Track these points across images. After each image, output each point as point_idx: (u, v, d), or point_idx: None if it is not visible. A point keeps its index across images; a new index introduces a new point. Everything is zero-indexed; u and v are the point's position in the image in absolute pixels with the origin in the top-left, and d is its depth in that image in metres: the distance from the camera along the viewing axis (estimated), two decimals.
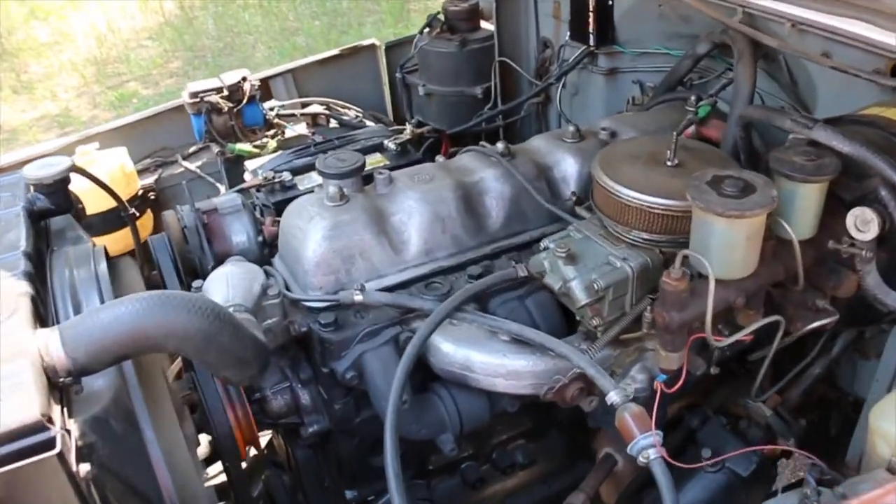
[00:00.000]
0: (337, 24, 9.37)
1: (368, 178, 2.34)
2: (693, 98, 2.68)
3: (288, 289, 2.17)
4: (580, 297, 1.87)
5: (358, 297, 2.03)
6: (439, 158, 2.52)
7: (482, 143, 2.93)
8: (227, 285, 2.00)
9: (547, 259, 1.96)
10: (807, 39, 2.25)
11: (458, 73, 3.62)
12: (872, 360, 2.39)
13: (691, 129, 2.52)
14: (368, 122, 3.70)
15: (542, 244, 2.03)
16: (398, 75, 3.84)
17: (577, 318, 1.99)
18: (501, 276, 2.07)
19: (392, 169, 2.91)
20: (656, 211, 1.84)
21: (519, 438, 2.57)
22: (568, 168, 2.43)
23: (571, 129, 2.47)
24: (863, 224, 1.69)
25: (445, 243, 2.27)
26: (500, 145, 2.40)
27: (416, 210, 2.22)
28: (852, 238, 1.72)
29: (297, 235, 2.16)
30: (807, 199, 1.71)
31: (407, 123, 3.16)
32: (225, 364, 1.66)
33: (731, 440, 2.31)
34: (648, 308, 1.90)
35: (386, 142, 3.08)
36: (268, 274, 2.20)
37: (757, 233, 1.59)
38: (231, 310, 1.87)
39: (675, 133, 1.92)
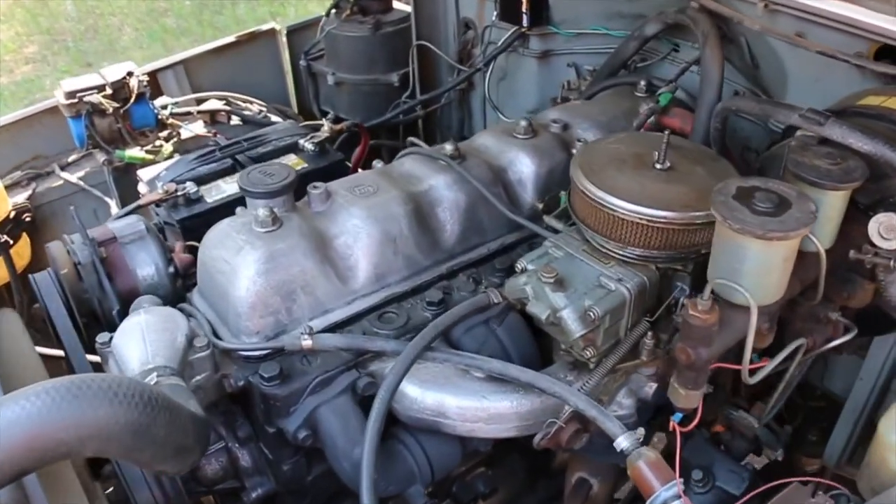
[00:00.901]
0: (209, 4, 8.77)
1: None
2: (643, 83, 2.47)
3: (216, 334, 1.83)
4: (574, 328, 1.62)
5: (307, 343, 1.71)
6: (377, 164, 2.20)
7: (410, 139, 2.65)
8: (144, 341, 1.64)
9: (530, 284, 1.69)
10: (779, 20, 2.06)
11: (372, 59, 3.29)
12: (844, 354, 2.26)
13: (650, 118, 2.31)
14: (274, 118, 3.33)
15: (520, 265, 1.76)
16: (302, 63, 3.47)
17: (563, 347, 1.74)
18: (473, 305, 1.79)
19: (312, 173, 2.64)
20: (657, 225, 1.60)
21: (479, 466, 2.32)
22: (524, 168, 2.16)
23: (523, 123, 2.20)
24: (888, 231, 1.51)
25: (398, 266, 1.98)
26: (448, 146, 2.10)
27: (363, 230, 1.91)
28: (875, 247, 1.53)
29: (223, 271, 1.81)
30: (832, 208, 1.52)
31: (324, 119, 2.81)
32: (162, 458, 1.32)
33: (718, 456, 2.13)
34: (649, 335, 1.68)
35: (301, 141, 2.72)
36: (187, 314, 1.85)
37: (793, 253, 1.37)
38: (155, 377, 1.53)
39: (666, 133, 1.68)
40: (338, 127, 2.82)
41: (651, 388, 1.83)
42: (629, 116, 2.40)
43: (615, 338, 1.71)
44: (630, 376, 1.82)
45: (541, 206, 1.96)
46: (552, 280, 1.62)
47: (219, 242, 1.85)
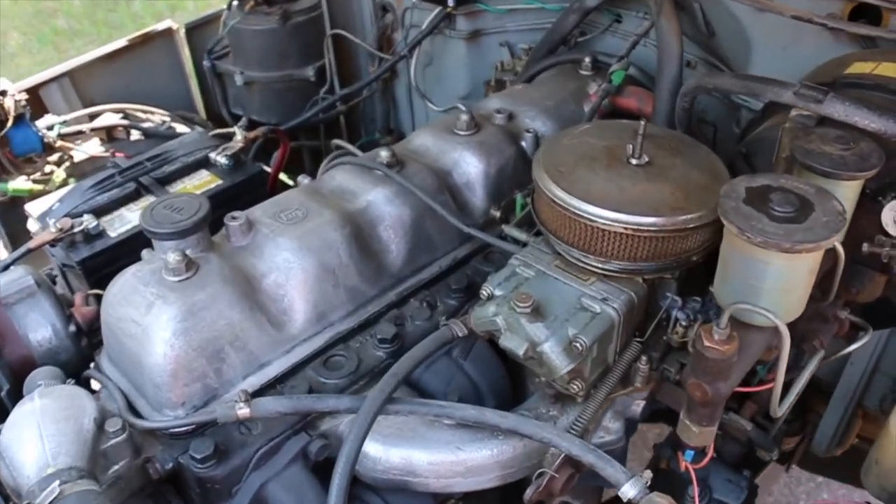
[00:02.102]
0: (101, 2, 8.19)
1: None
2: (587, 60, 2.24)
3: (133, 409, 1.53)
4: (559, 364, 1.38)
5: (243, 412, 1.43)
6: (303, 179, 1.91)
7: (335, 142, 2.38)
8: (42, 437, 1.33)
9: (500, 315, 1.45)
10: None
11: (283, 53, 2.96)
12: None
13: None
14: (180, 128, 2.98)
15: (486, 291, 1.51)
16: (206, 63, 3.12)
17: (543, 378, 1.50)
18: (435, 343, 1.53)
19: (229, 190, 2.35)
20: (644, 234, 1.37)
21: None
22: (470, 170, 1.91)
23: (464, 117, 1.94)
24: None
25: (340, 301, 1.70)
26: (383, 153, 1.83)
27: (295, 265, 1.63)
28: (890, 237, 1.33)
29: (133, 334, 1.51)
30: (845, 200, 1.31)
31: (236, 127, 2.49)
32: None
33: (713, 466, 1.94)
34: (643, 359, 1.46)
35: (213, 155, 2.42)
36: (95, 385, 1.56)
37: (818, 262, 1.16)
38: (57, 485, 1.24)
39: (641, 122, 1.44)
40: (252, 134, 2.52)
41: (639, 405, 1.62)
42: (577, 98, 2.16)
43: (604, 365, 1.48)
44: (615, 399, 1.60)
45: (497, 213, 1.70)
46: (528, 310, 1.38)
47: (124, 299, 1.55)
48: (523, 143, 2.00)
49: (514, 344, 1.42)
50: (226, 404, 1.45)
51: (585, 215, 1.39)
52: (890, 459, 1.67)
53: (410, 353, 1.51)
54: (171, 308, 1.49)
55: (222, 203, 2.30)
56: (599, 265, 1.44)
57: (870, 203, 1.38)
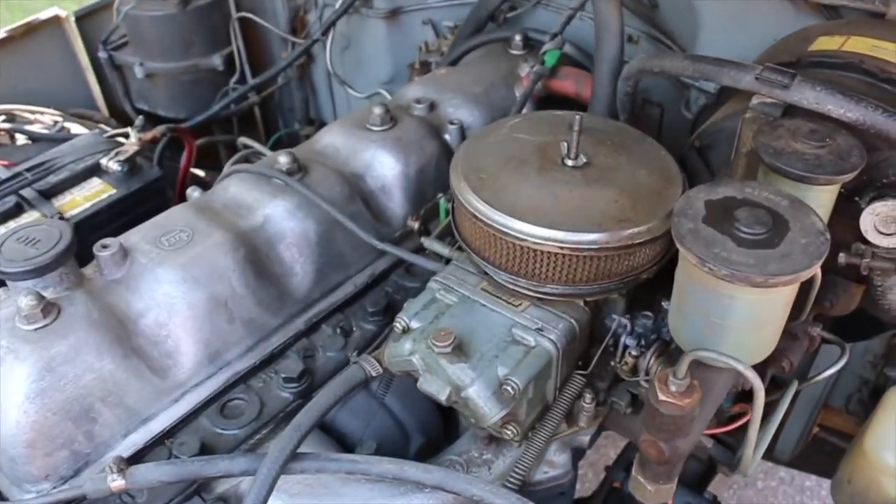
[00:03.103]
0: None
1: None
2: (518, 38, 2.01)
3: None
4: (488, 411, 1.16)
5: (117, 484, 1.18)
6: (193, 192, 1.65)
7: (241, 140, 2.12)
8: None
9: (417, 354, 1.22)
10: None
11: (186, 41, 2.66)
12: None
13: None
14: (76, 129, 2.67)
15: (401, 322, 1.28)
16: (102, 55, 2.80)
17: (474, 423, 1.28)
18: (344, 386, 1.30)
19: (123, 201, 2.07)
20: (584, 254, 1.14)
21: None
22: (386, 171, 1.67)
23: (377, 110, 1.70)
24: (886, 224, 1.11)
25: (237, 336, 1.46)
26: (282, 158, 1.58)
27: (179, 299, 1.38)
28: (870, 244, 1.13)
29: None
30: (820, 206, 1.10)
31: (131, 128, 2.21)
32: None
33: (677, 490, 1.73)
34: (587, 397, 1.24)
35: (104, 160, 2.13)
36: None
37: (794, 292, 0.94)
38: None
39: (577, 116, 1.21)
40: (148, 136, 2.24)
41: (588, 434, 1.41)
42: (508, 82, 1.93)
43: (542, 403, 1.26)
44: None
45: (415, 224, 1.46)
46: (449, 348, 1.15)
47: None
48: (447, 137, 1.77)
49: (434, 388, 1.20)
50: (97, 476, 1.21)
51: (512, 233, 1.16)
52: (864, 478, 1.49)
53: (316, 401, 1.28)
54: (24, 365, 1.23)
55: (116, 216, 2.04)
56: (532, 290, 1.21)
57: (846, 204, 1.17)
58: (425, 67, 2.35)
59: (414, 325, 1.27)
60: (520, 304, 1.24)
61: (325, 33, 2.39)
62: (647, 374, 1.20)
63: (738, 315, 0.90)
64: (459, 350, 1.17)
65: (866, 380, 1.95)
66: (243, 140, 2.16)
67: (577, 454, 1.48)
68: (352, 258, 1.61)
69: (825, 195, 1.08)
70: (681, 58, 1.28)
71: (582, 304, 1.24)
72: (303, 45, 2.45)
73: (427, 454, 1.50)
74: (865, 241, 1.13)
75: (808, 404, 2.00)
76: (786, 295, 0.91)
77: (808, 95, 1.13)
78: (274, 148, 2.17)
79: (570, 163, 1.25)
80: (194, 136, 2.53)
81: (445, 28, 2.34)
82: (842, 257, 1.16)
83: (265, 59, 2.80)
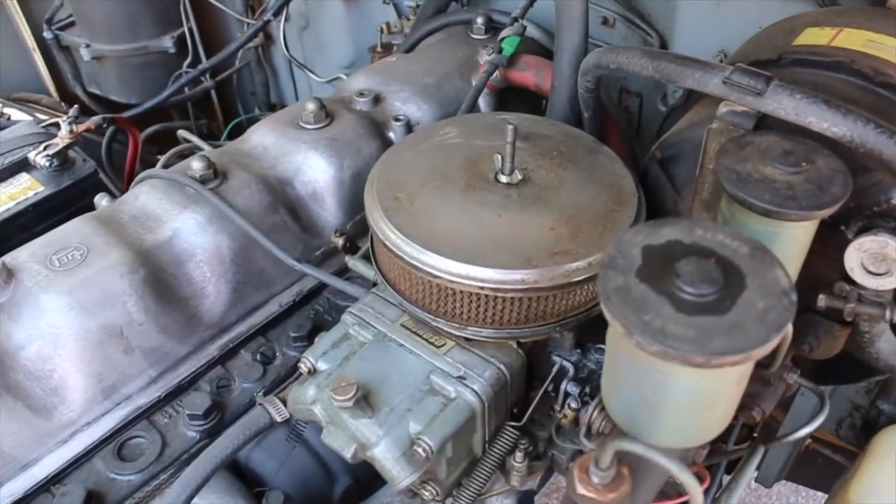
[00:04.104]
0: None
1: None
2: (480, 21, 1.80)
3: None
4: (398, 475, 0.99)
5: None
6: (101, 200, 1.47)
7: (181, 134, 1.93)
8: None
9: (320, 403, 1.04)
10: None
11: (133, 21, 2.46)
12: None
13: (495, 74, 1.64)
14: (18, 115, 2.48)
15: (306, 363, 1.10)
16: (48, 35, 2.61)
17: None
18: (245, 433, 1.13)
19: (52, 199, 1.90)
20: (511, 295, 0.96)
21: None
22: (317, 176, 1.49)
23: (311, 106, 1.51)
24: (875, 262, 0.91)
25: (136, 367, 1.29)
26: (196, 163, 1.39)
27: (65, 329, 1.21)
28: (856, 285, 0.94)
29: None
30: (795, 245, 0.91)
31: (64, 117, 2.02)
32: None
33: None
34: (518, 455, 1.06)
35: (31, 154, 1.95)
36: None
37: (751, 366, 0.75)
38: None
39: (510, 126, 1.01)
40: (81, 126, 2.04)
41: (539, 475, 1.23)
42: (466, 72, 1.73)
43: (469, 458, 1.09)
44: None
45: (339, 240, 1.27)
46: (350, 402, 0.96)
47: None
48: (391, 135, 1.57)
49: (338, 444, 1.03)
50: None
51: (425, 268, 0.97)
52: None
53: (209, 452, 1.11)
54: None
55: (43, 216, 1.86)
56: (455, 331, 1.03)
57: (828, 234, 0.98)
58: (388, 50, 2.15)
59: (321, 366, 1.09)
60: (443, 345, 1.06)
61: (277, 14, 2.19)
62: (588, 430, 1.02)
63: (676, 395, 0.71)
64: (365, 402, 0.99)
65: (858, 405, 1.76)
66: (181, 133, 1.98)
67: (526, 497, 1.31)
68: (275, 275, 1.42)
69: (800, 231, 0.89)
70: (639, 54, 1.08)
71: (514, 346, 1.05)
72: (254, 25, 2.25)
73: (356, 497, 1.34)
74: (850, 281, 0.94)
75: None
76: (739, 372, 0.72)
77: (785, 104, 0.93)
78: (232, 135, 1.99)
79: (503, 179, 1.06)
80: (139, 125, 2.34)
81: (408, 8, 2.14)
82: (822, 300, 0.97)
83: (222, 40, 2.60)
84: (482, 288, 0.95)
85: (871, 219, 0.98)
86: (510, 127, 1.00)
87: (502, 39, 1.60)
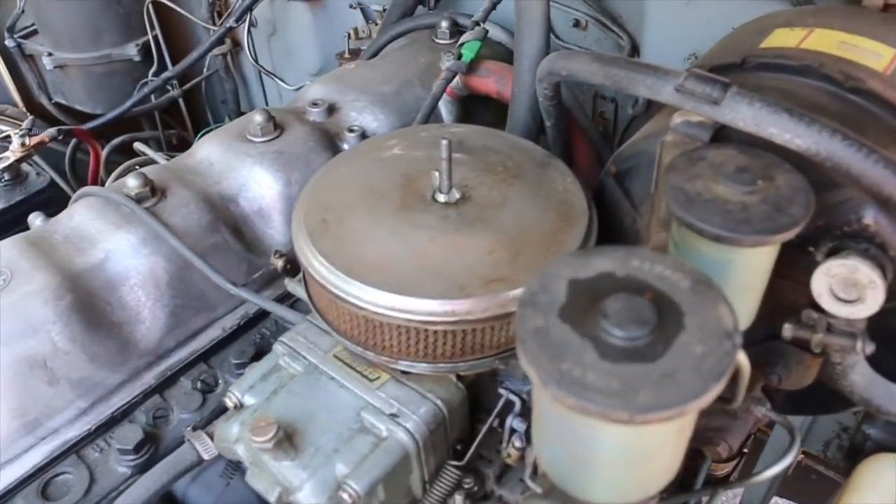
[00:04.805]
0: None
1: None
2: (445, 25, 1.72)
3: None
4: None
5: None
6: (35, 221, 1.38)
7: (136, 146, 1.85)
8: None
9: (242, 444, 0.95)
10: None
11: (96, 28, 2.39)
12: None
13: (454, 80, 1.56)
14: None
15: (232, 398, 1.02)
16: (9, 43, 2.53)
17: None
18: (170, 472, 1.05)
19: (4, 215, 1.84)
20: (443, 328, 0.87)
21: None
22: (263, 192, 1.41)
23: (257, 118, 1.42)
24: (845, 288, 0.82)
25: (63, 399, 1.21)
26: (132, 181, 1.31)
27: None
28: (825, 313, 0.85)
29: None
30: (752, 272, 0.82)
31: (14, 131, 1.94)
32: None
33: None
34: (459, 499, 0.98)
35: None
36: None
37: (694, 419, 0.66)
38: None
39: (444, 141, 0.93)
40: (33, 141, 1.97)
41: None
42: (426, 79, 1.64)
43: (408, 499, 1.00)
44: None
45: (279, 262, 1.19)
46: (270, 443, 0.88)
47: None
48: (345, 147, 1.49)
49: (262, 487, 0.94)
50: None
51: (349, 298, 0.88)
52: None
53: (131, 493, 1.02)
54: None
55: None
56: (388, 364, 0.94)
57: (796, 256, 0.89)
58: (356, 57, 2.06)
59: (248, 400, 1.01)
60: (377, 378, 0.97)
61: (239, 19, 2.10)
62: (535, 470, 0.93)
63: (605, 450, 0.63)
64: (288, 443, 0.91)
65: (846, 426, 1.67)
66: (137, 146, 1.90)
67: None
68: (217, 298, 1.34)
69: (758, 257, 0.80)
70: (588, 60, 0.99)
71: (454, 380, 0.97)
72: (217, 32, 2.17)
73: None
74: (819, 308, 0.85)
75: (776, 455, 1.72)
76: (677, 425, 0.63)
77: (744, 114, 0.84)
78: None
79: (441, 198, 0.98)
80: (107, 136, 2.26)
81: (375, 12, 2.06)
82: (787, 329, 0.88)
83: (189, 48, 2.49)
84: (409, 321, 0.86)
85: (842, 240, 0.89)
86: (444, 141, 0.92)
87: (462, 45, 1.52)
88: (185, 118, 2.61)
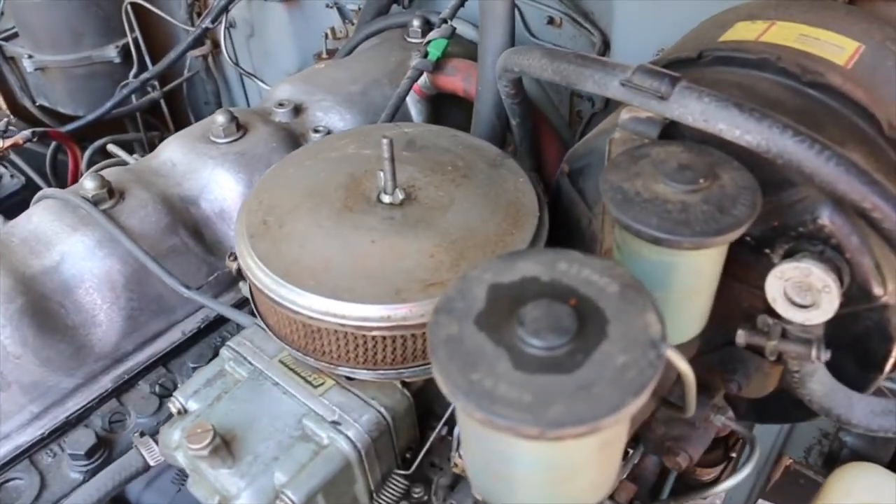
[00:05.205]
0: None
1: None
2: (416, 23, 1.70)
3: None
4: None
5: None
6: None
7: (110, 148, 1.84)
8: None
9: (181, 451, 0.93)
10: None
11: (76, 31, 2.37)
12: None
13: (422, 79, 1.53)
14: None
15: (175, 403, 0.99)
16: None
17: None
18: (115, 477, 1.03)
19: None
20: (373, 333, 0.84)
21: None
22: (224, 194, 1.38)
23: (220, 119, 1.40)
24: (801, 292, 0.79)
25: (14, 404, 1.20)
26: (89, 182, 1.29)
27: None
28: (781, 319, 0.82)
29: None
30: (698, 275, 0.79)
31: None
32: None
33: None
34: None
35: None
36: None
37: (622, 431, 0.63)
38: None
39: (384, 139, 0.90)
40: (7, 143, 1.95)
41: None
42: (397, 78, 1.61)
43: None
44: None
45: (234, 265, 1.16)
46: (206, 450, 0.86)
47: None
48: None
49: (201, 495, 0.92)
50: None
51: (284, 302, 0.86)
52: None
53: (75, 499, 1.00)
54: None
55: None
56: (328, 370, 0.92)
57: (752, 258, 0.86)
58: (333, 57, 2.04)
59: (191, 406, 0.98)
60: (321, 385, 0.95)
61: (215, 20, 2.08)
62: None
63: (522, 467, 0.60)
64: (226, 450, 0.89)
65: (827, 432, 1.64)
66: (111, 147, 1.88)
67: None
68: (177, 300, 1.32)
69: (702, 260, 0.77)
70: (539, 55, 0.97)
71: (399, 387, 0.94)
72: (193, 33, 2.14)
73: None
74: (774, 314, 0.82)
75: (764, 448, 1.70)
76: (600, 439, 0.60)
77: (692, 109, 0.81)
78: None
79: (386, 199, 0.95)
80: (91, 138, 2.24)
81: (351, 12, 2.03)
82: (741, 336, 0.85)
83: (169, 50, 2.49)
84: (344, 326, 0.84)
85: (798, 241, 0.86)
86: (385, 140, 0.89)
87: (428, 42, 1.49)
88: (167, 120, 2.59)
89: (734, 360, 0.96)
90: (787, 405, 1.02)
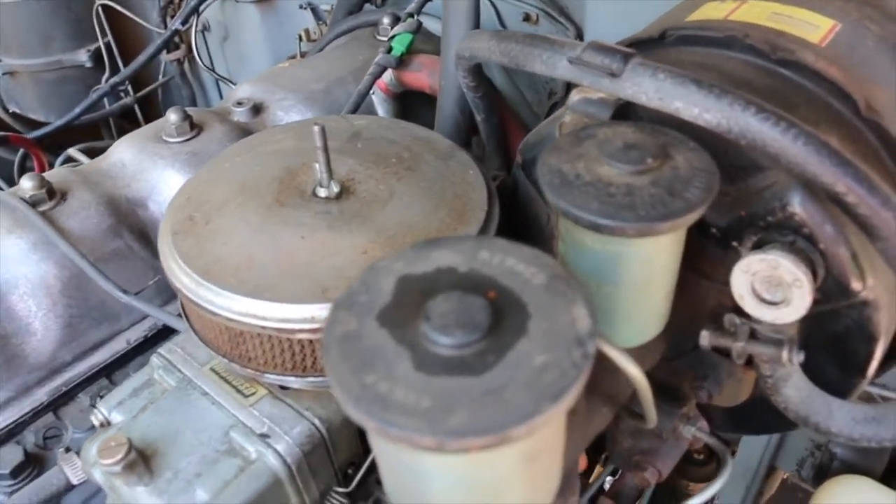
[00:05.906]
0: None
1: None
2: (387, 21, 1.63)
3: None
4: None
5: None
6: None
7: (69, 152, 1.77)
8: None
9: (97, 467, 0.85)
10: None
11: (45, 34, 2.32)
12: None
13: (388, 76, 1.47)
14: None
15: (97, 414, 0.92)
16: None
17: None
18: (34, 497, 0.95)
19: None
20: (298, 335, 0.77)
21: None
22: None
23: (173, 117, 1.34)
24: (770, 288, 0.71)
25: None
26: (27, 182, 1.22)
27: None
28: (748, 318, 0.74)
29: None
30: (650, 265, 0.71)
31: None
32: None
33: None
34: None
35: None
36: None
37: (555, 438, 0.55)
38: None
39: (316, 127, 0.83)
40: None
41: None
42: (360, 76, 1.54)
43: None
44: None
45: None
46: (118, 466, 0.78)
47: None
48: None
49: None
50: None
51: (201, 302, 0.79)
52: None
53: None
54: None
55: None
56: (257, 378, 0.84)
57: (719, 252, 0.78)
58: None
59: (115, 418, 0.91)
60: (252, 394, 0.87)
61: (185, 22, 2.02)
62: None
63: (434, 483, 0.52)
64: (144, 466, 0.81)
65: (819, 444, 1.55)
66: (71, 151, 1.81)
67: None
68: (121, 307, 1.24)
69: (651, 249, 0.69)
70: (487, 37, 0.89)
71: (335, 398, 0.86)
72: (163, 36, 2.08)
73: None
74: (742, 313, 0.74)
75: (745, 475, 1.61)
76: (521, 451, 0.51)
77: (646, 87, 0.73)
78: None
79: (322, 193, 0.88)
80: (67, 143, 2.18)
81: (325, 13, 1.97)
82: (704, 337, 0.77)
83: (141, 52, 2.44)
84: (265, 328, 0.76)
85: (767, 232, 0.78)
86: (316, 128, 0.82)
87: (392, 38, 1.42)
88: (142, 125, 2.52)
89: (704, 366, 0.88)
90: (765, 414, 0.94)
